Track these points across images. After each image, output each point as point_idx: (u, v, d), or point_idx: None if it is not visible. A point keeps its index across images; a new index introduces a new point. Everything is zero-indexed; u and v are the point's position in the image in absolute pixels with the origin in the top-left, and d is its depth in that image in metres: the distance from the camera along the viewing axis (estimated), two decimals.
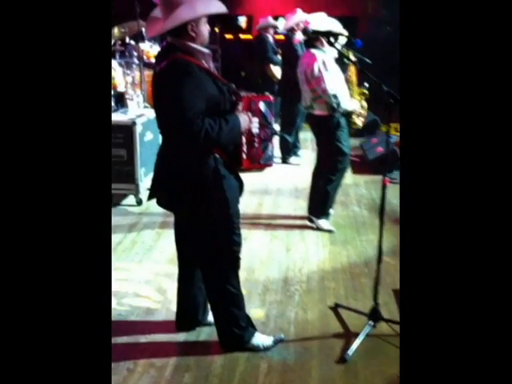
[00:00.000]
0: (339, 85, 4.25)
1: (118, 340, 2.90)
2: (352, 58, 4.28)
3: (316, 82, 4.18)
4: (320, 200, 4.54)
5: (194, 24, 2.42)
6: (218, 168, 2.50)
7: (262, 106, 2.68)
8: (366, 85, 4.57)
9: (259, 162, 2.69)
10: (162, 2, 2.45)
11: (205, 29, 2.49)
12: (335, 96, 4.16)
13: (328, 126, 4.28)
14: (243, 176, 2.69)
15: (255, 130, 2.63)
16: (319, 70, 4.15)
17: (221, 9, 2.51)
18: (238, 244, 2.70)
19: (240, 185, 2.67)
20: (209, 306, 2.87)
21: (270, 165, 2.80)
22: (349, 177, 6.12)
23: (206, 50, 2.50)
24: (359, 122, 4.61)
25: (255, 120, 2.63)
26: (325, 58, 4.20)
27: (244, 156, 2.62)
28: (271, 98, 2.72)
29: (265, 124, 2.70)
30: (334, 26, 4.22)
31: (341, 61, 4.53)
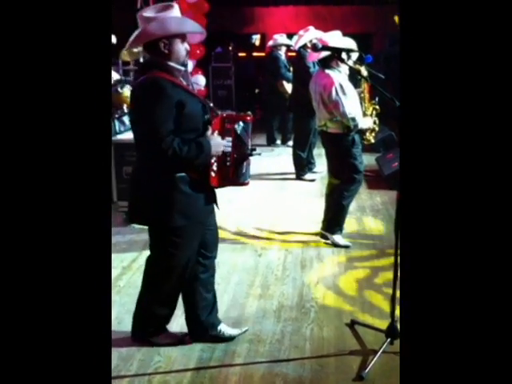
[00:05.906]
0: (356, 106, 4.24)
1: (132, 357, 2.87)
2: (364, 73, 4.28)
3: (334, 106, 4.17)
4: (334, 217, 4.52)
5: (166, 42, 2.47)
6: (180, 187, 2.53)
7: (238, 125, 2.66)
8: (376, 99, 4.55)
9: (233, 181, 2.69)
10: (139, 19, 2.50)
11: (181, 47, 2.52)
12: (353, 119, 4.16)
13: (343, 143, 4.29)
14: (250, 191, 2.67)
15: (228, 149, 2.65)
16: (337, 94, 4.14)
17: (195, 29, 2.56)
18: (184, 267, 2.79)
19: (208, 202, 2.70)
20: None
21: (246, 183, 2.78)
22: (364, 192, 6.08)
23: (181, 68, 2.54)
24: (372, 138, 4.58)
25: (228, 139, 2.65)
26: (341, 80, 4.19)
27: (213, 174, 2.62)
28: (249, 118, 2.70)
29: (239, 144, 2.69)
30: (348, 43, 4.20)
31: (353, 77, 4.53)
